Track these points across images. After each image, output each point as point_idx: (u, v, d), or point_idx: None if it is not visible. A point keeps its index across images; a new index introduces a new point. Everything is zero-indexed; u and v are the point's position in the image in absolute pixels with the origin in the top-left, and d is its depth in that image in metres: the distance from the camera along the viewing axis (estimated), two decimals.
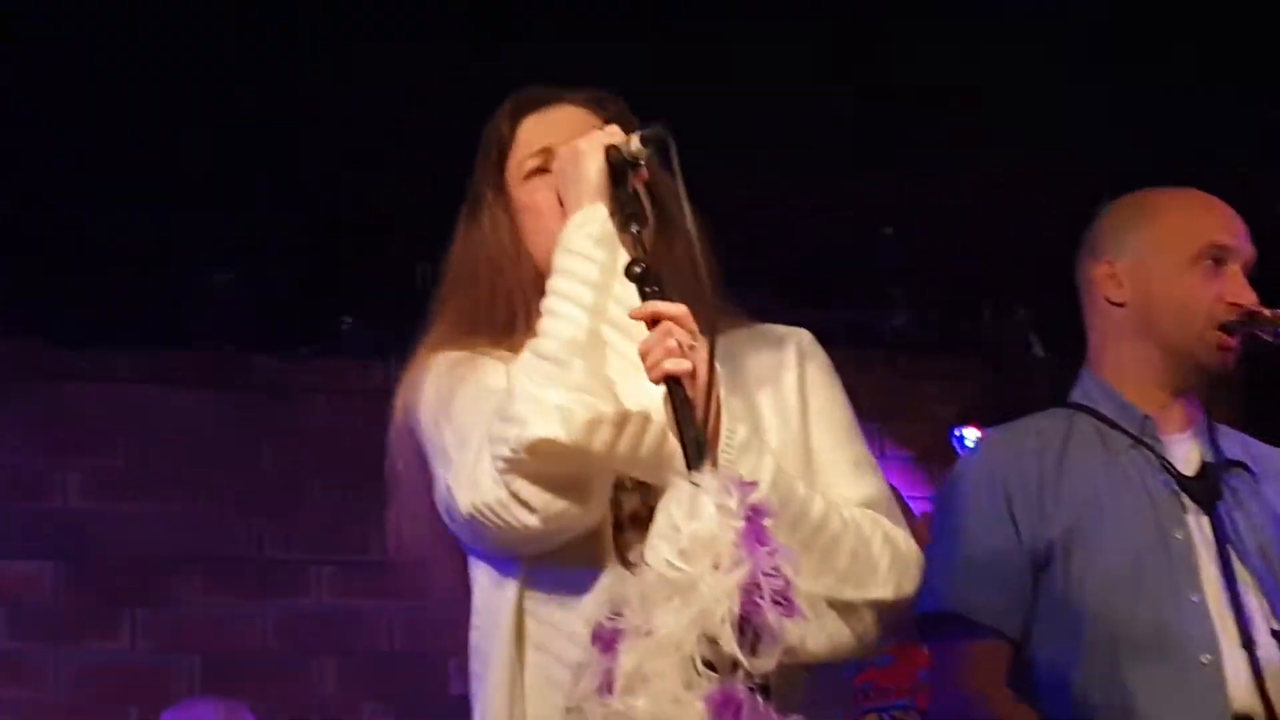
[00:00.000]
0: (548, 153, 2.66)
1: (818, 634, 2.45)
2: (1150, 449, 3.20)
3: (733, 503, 2.21)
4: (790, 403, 2.68)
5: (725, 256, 2.59)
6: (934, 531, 3.31)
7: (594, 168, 2.52)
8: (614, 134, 2.56)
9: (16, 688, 5.94)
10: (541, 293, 2.55)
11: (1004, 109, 4.98)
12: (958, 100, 4.94)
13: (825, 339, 2.78)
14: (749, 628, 2.17)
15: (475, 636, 2.62)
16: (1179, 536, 3.12)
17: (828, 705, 2.51)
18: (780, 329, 2.78)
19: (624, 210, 2.51)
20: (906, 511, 2.79)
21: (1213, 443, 3.22)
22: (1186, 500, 3.15)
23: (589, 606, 2.31)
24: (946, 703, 3.27)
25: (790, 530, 2.40)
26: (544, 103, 2.75)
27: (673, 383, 2.34)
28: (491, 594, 2.58)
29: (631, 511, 2.51)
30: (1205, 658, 3.03)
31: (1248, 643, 3.02)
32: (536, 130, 2.72)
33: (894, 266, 6.08)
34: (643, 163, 2.54)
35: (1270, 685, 3.01)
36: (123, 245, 5.57)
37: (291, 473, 6.29)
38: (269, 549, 6.25)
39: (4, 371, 6.08)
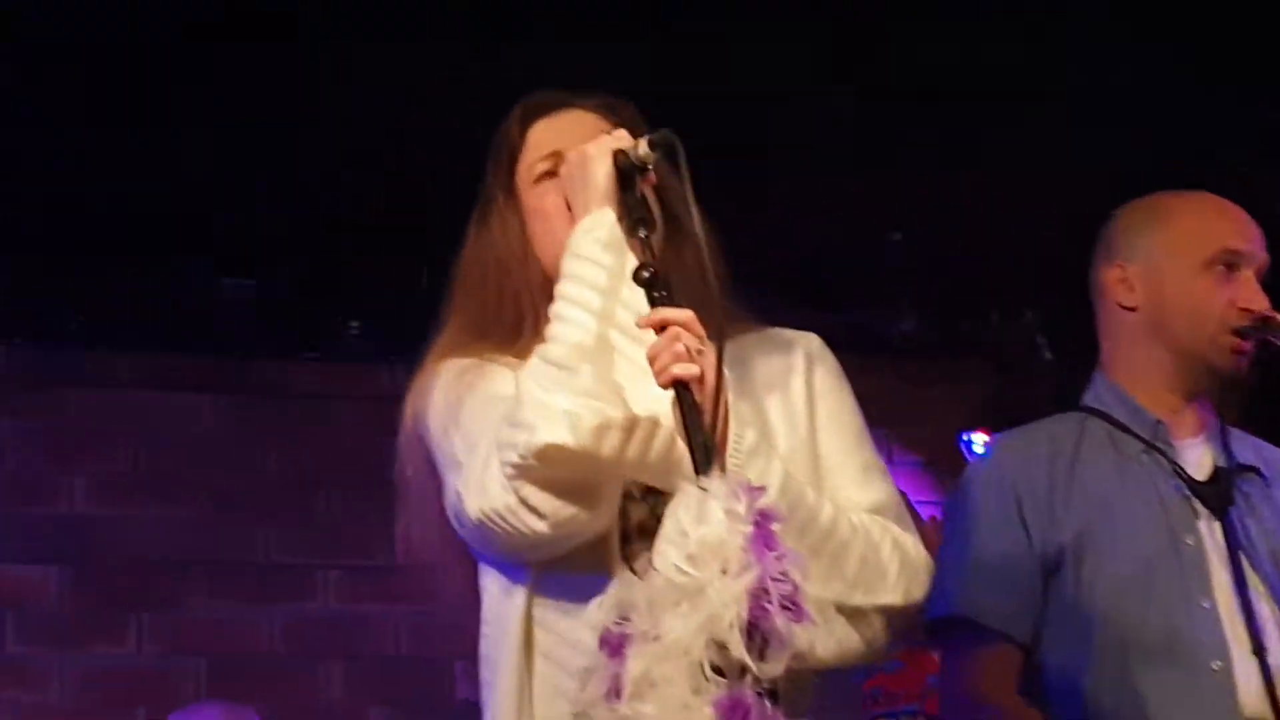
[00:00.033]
0: (557, 156, 2.66)
1: (826, 640, 2.44)
2: (1162, 454, 3.19)
3: (741, 508, 2.21)
4: (798, 407, 2.68)
5: (731, 260, 2.59)
6: (944, 536, 3.30)
7: (602, 172, 2.52)
8: (622, 138, 2.55)
9: (22, 692, 5.94)
10: (549, 297, 2.55)
11: (1006, 110, 4.98)
12: (960, 101, 4.93)
13: (833, 344, 2.78)
14: (757, 633, 2.16)
15: (485, 645, 2.62)
16: (1190, 542, 3.11)
17: (836, 710, 2.52)
18: (789, 333, 2.78)
19: (632, 215, 2.51)
20: (915, 517, 2.78)
21: (1225, 447, 3.21)
22: (1198, 505, 3.14)
23: (594, 614, 2.29)
24: (956, 708, 3.27)
25: (799, 535, 2.39)
26: (555, 107, 2.74)
27: (681, 387, 2.33)
28: (500, 602, 2.58)
29: (639, 522, 2.50)
30: (1216, 664, 3.02)
31: (1259, 649, 3.01)
32: (547, 134, 2.71)
33: (901, 271, 6.07)
34: (651, 167, 2.53)
35: None
36: (127, 249, 5.57)
37: (297, 477, 6.28)
38: (275, 553, 6.25)
39: (8, 376, 6.08)
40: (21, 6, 4.36)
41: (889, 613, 2.54)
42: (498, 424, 2.44)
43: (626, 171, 2.52)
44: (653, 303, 2.42)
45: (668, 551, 2.22)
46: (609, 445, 2.37)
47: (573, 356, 2.42)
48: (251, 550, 6.23)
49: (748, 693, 2.17)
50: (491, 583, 2.61)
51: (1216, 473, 3.18)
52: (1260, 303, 3.18)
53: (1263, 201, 3.35)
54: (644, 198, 2.55)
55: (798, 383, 2.69)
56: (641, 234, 2.49)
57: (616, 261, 2.47)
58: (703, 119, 2.71)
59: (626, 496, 2.50)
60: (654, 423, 2.38)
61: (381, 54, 4.62)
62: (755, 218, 2.67)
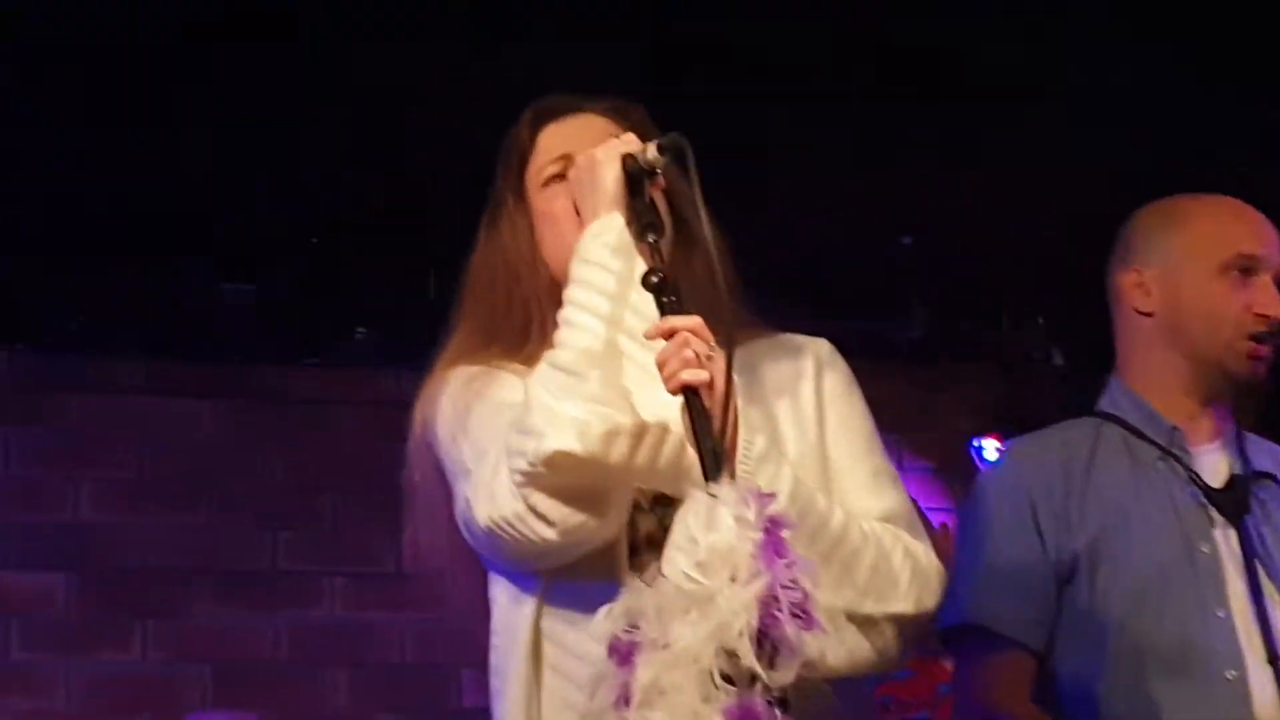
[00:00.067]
0: (567, 159, 2.65)
1: (837, 648, 2.43)
2: (1178, 460, 3.17)
3: (751, 514, 2.19)
4: (808, 413, 2.67)
5: (739, 264, 2.58)
6: (958, 542, 3.29)
7: (611, 176, 2.51)
8: (631, 142, 2.54)
9: (28, 699, 5.93)
10: (557, 301, 2.54)
11: (1006, 110, 4.97)
12: (960, 101, 4.93)
13: (842, 349, 2.77)
14: (767, 641, 2.15)
15: (495, 656, 2.61)
16: (1205, 550, 3.09)
17: (847, 718, 2.51)
18: (799, 339, 2.77)
19: (641, 219, 2.50)
20: (926, 523, 2.77)
21: (1241, 453, 3.18)
22: (1214, 513, 3.12)
23: (599, 625, 2.28)
24: (969, 716, 3.25)
25: (809, 542, 2.38)
26: (565, 111, 2.74)
27: (690, 393, 2.32)
28: (510, 612, 2.57)
29: (647, 533, 2.49)
30: (1230, 673, 3.01)
31: (1273, 658, 2.99)
32: (557, 137, 2.70)
33: (912, 275, 6.06)
34: (660, 171, 2.52)
35: None
36: (131, 254, 5.56)
37: (303, 483, 6.27)
38: (281, 560, 6.23)
39: (11, 382, 6.07)
40: (21, 6, 4.35)
41: (900, 621, 2.53)
42: (506, 431, 2.43)
43: (635, 176, 2.51)
44: (661, 308, 2.41)
45: (677, 559, 2.20)
46: (618, 452, 2.36)
47: (581, 362, 2.41)
48: (257, 557, 6.22)
49: (758, 701, 2.15)
50: (501, 592, 2.60)
51: (1232, 480, 3.16)
52: (1277, 308, 3.16)
53: (1263, 202, 3.34)
54: (653, 202, 2.53)
55: (807, 388, 2.68)
56: (650, 239, 2.48)
57: (625, 266, 2.47)
58: (705, 120, 2.69)
59: (635, 508, 2.49)
60: (663, 429, 2.38)
61: (381, 54, 4.61)
62: (755, 218, 2.66)
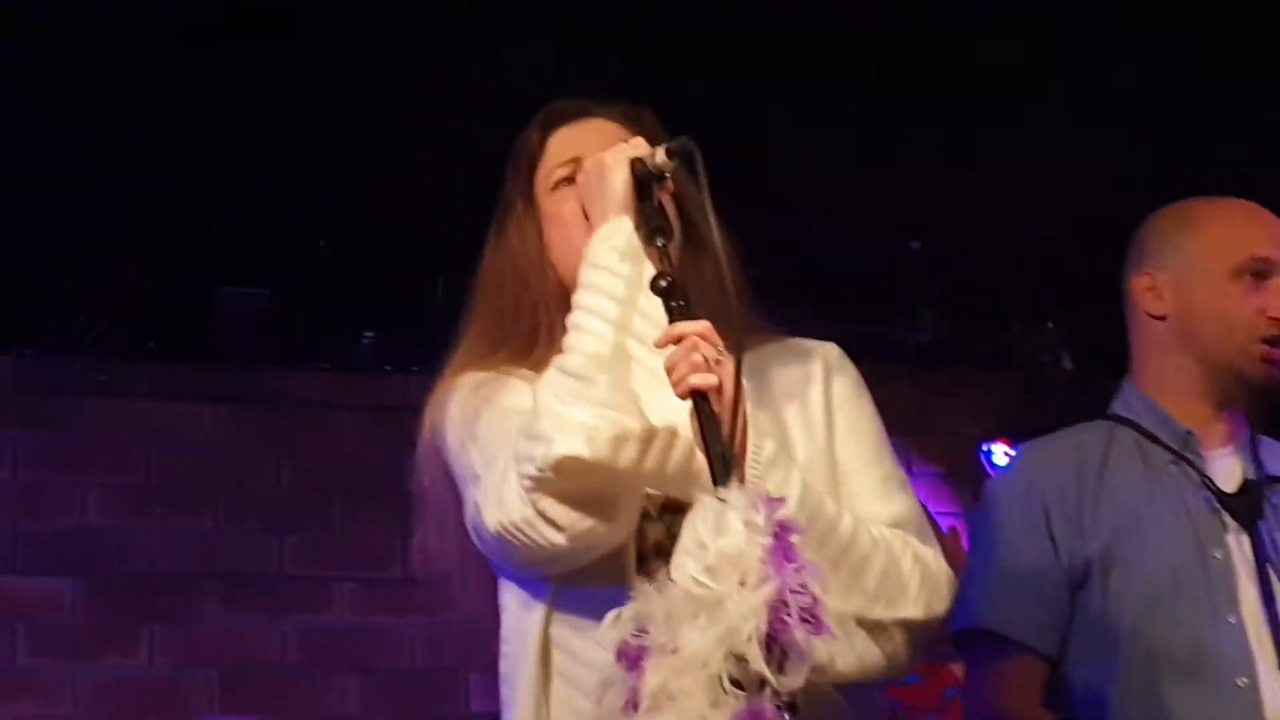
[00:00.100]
0: (576, 163, 2.64)
1: (847, 654, 2.43)
2: (1191, 464, 3.15)
3: (760, 519, 2.19)
4: (816, 417, 2.67)
5: (747, 268, 2.58)
6: (969, 546, 3.28)
7: (619, 180, 2.50)
8: (639, 146, 2.54)
9: (35, 704, 5.91)
10: (565, 305, 2.54)
11: (1006, 110, 4.97)
12: (960, 101, 4.93)
13: (851, 353, 2.76)
14: (776, 645, 2.14)
15: (504, 664, 2.61)
16: (1218, 556, 3.08)
17: None
18: (808, 343, 2.76)
19: (649, 223, 2.49)
20: (935, 528, 2.76)
21: (1255, 458, 3.17)
22: (1227, 518, 3.10)
23: (606, 633, 2.27)
24: None
25: (818, 547, 2.38)
26: (575, 115, 2.73)
27: (699, 398, 2.31)
28: (519, 619, 2.57)
29: (655, 541, 2.49)
30: (1241, 680, 3.00)
31: None
32: (567, 141, 2.70)
33: (920, 279, 6.05)
34: (668, 175, 2.52)
35: None
36: (138, 258, 5.55)
37: (311, 488, 6.25)
38: (288, 565, 6.22)
39: (18, 386, 6.05)
40: (21, 6, 4.34)
41: (910, 627, 2.53)
42: (515, 437, 2.43)
43: (644, 180, 2.51)
44: (670, 312, 2.41)
45: (686, 563, 2.20)
46: (626, 456, 2.36)
47: (590, 367, 2.41)
48: (265, 562, 6.20)
49: (767, 706, 2.15)
50: (511, 599, 2.60)
51: (1246, 484, 3.14)
52: None
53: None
54: (661, 206, 2.53)
55: (816, 392, 2.68)
56: (659, 242, 2.48)
57: (634, 270, 2.46)
58: (709, 121, 2.69)
59: (643, 516, 2.48)
60: (672, 433, 2.37)
61: (382, 54, 4.60)
62: (755, 218, 2.65)
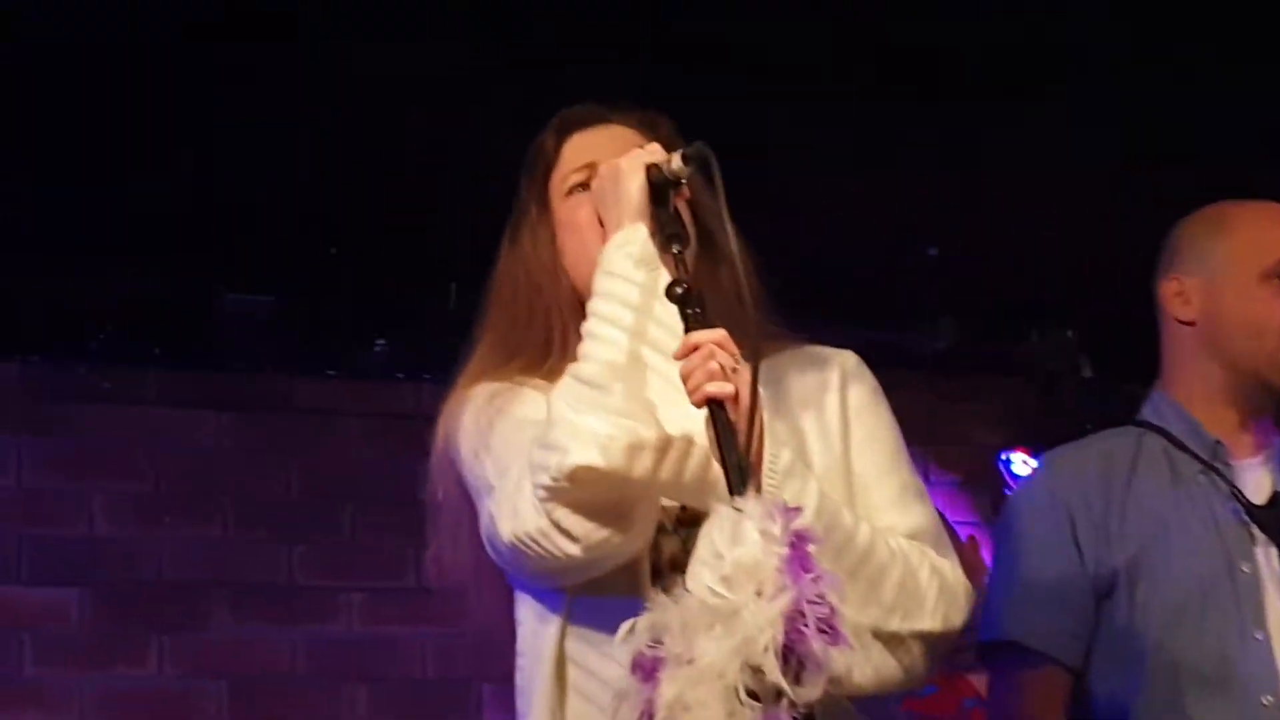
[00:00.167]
0: (591, 169, 2.63)
1: (863, 666, 2.42)
2: (1220, 475, 3.12)
3: (776, 528, 2.17)
4: (833, 426, 2.65)
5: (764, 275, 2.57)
6: (994, 554, 3.25)
7: (635, 186, 2.49)
8: (655, 152, 2.52)
9: (42, 715, 5.89)
10: (578, 313, 2.53)
11: (1006, 110, 4.96)
12: (960, 101, 4.92)
13: (868, 361, 2.75)
14: (793, 656, 2.12)
15: (520, 677, 2.60)
16: (1246, 569, 3.05)
17: None
18: (825, 350, 2.74)
19: (665, 230, 2.48)
20: (953, 537, 2.75)
21: None
22: (1255, 531, 3.07)
23: (619, 649, 2.25)
24: None
25: (835, 558, 2.36)
26: (591, 121, 2.72)
27: (715, 406, 2.29)
28: (535, 633, 2.56)
29: (671, 555, 2.48)
30: (1267, 699, 2.97)
31: None
32: (582, 147, 2.69)
33: (937, 285, 6.04)
34: (684, 181, 2.50)
35: None
36: (146, 264, 5.54)
37: (321, 497, 6.24)
38: (298, 574, 6.20)
39: (26, 394, 6.03)
40: (21, 6, 4.32)
41: (927, 639, 2.51)
42: (529, 447, 2.41)
43: (659, 186, 2.49)
44: (686, 319, 2.39)
45: (702, 573, 2.18)
46: (641, 466, 2.33)
47: (605, 375, 2.39)
48: (274, 571, 6.18)
49: (783, 717, 2.13)
50: (526, 613, 2.59)
51: (1275, 496, 3.11)
52: None
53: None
54: (677, 212, 2.52)
55: (832, 401, 2.67)
56: (674, 249, 2.46)
57: (649, 277, 2.45)
58: (711, 123, 2.68)
59: (658, 529, 2.47)
60: (688, 442, 2.35)
61: (382, 54, 4.59)
62: (755, 219, 2.63)
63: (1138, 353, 3.34)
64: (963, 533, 5.77)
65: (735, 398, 2.31)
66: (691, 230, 2.55)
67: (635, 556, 2.46)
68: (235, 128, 4.84)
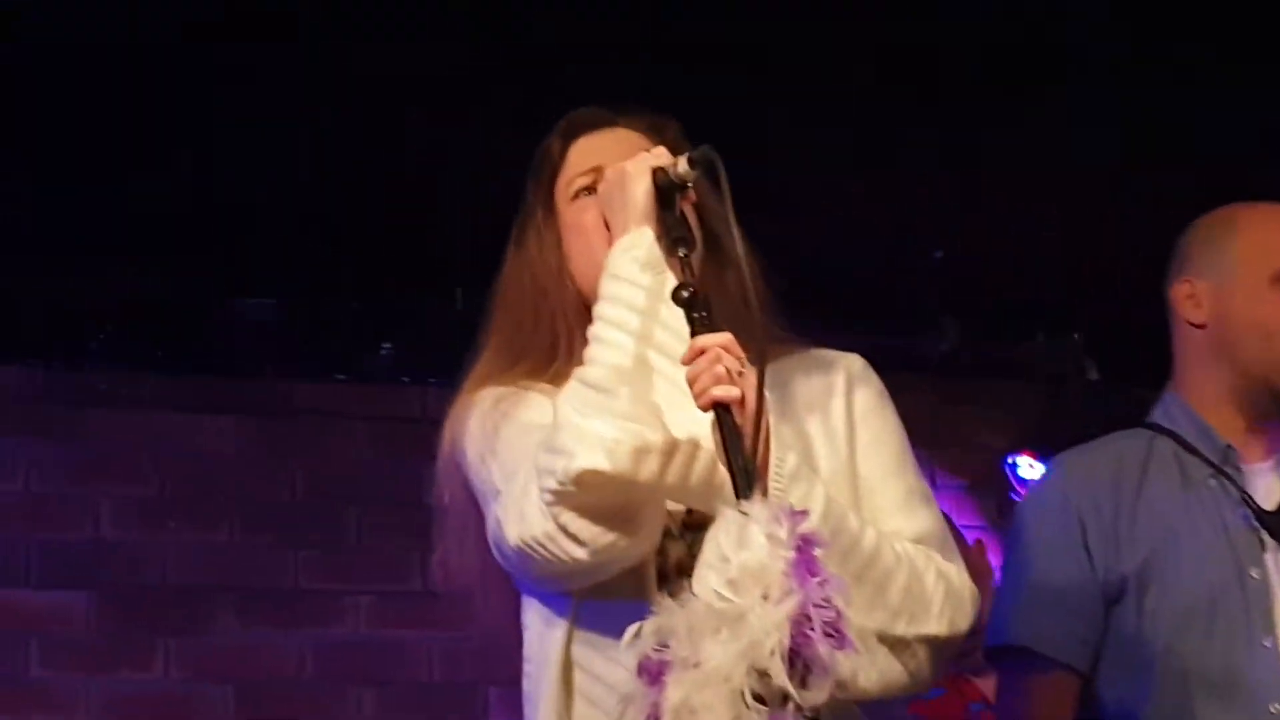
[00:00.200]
0: (597, 172, 2.63)
1: (869, 670, 2.41)
2: (1230, 480, 3.10)
3: (783, 532, 2.17)
4: (838, 429, 2.65)
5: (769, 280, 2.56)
6: (1004, 557, 3.24)
7: (641, 190, 2.49)
8: (661, 156, 2.52)
9: (48, 717, 5.89)
10: (584, 317, 2.53)
11: (1006, 110, 4.96)
12: (960, 101, 4.92)
13: (874, 365, 2.74)
14: (799, 660, 2.13)
15: (527, 683, 2.60)
16: (1255, 576, 3.03)
17: None
18: (831, 354, 2.74)
19: (671, 234, 2.48)
20: (960, 541, 2.75)
21: None
22: (1265, 537, 3.05)
23: (625, 652, 2.25)
24: None
25: (841, 562, 2.35)
26: (598, 124, 2.72)
27: (721, 410, 2.30)
28: (541, 638, 2.56)
29: (677, 560, 2.47)
30: (1275, 707, 2.96)
31: None
32: (589, 150, 2.69)
33: (942, 289, 6.04)
34: (690, 185, 2.51)
35: None
36: (153, 268, 5.53)
37: (327, 500, 6.23)
38: (303, 578, 6.19)
39: (35, 398, 6.03)
40: (21, 6, 4.32)
41: (933, 643, 2.51)
42: (535, 451, 2.41)
43: (666, 189, 2.50)
44: (692, 323, 2.39)
45: (708, 577, 2.18)
46: (647, 469, 2.33)
47: (611, 379, 2.39)
48: (280, 575, 6.17)
49: None
50: (533, 618, 2.59)
51: None
52: None
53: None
54: (683, 216, 2.52)
55: (838, 404, 2.66)
56: (681, 253, 2.46)
57: (655, 281, 2.45)
58: (714, 124, 2.68)
59: (664, 534, 2.46)
60: (694, 446, 2.35)
61: (382, 54, 4.59)
62: (755, 219, 2.63)
63: (1143, 355, 3.32)
64: (969, 536, 5.74)
65: (741, 401, 2.31)
66: (698, 234, 2.55)
67: (641, 560, 2.46)
68: (235, 128, 4.84)
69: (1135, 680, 3.04)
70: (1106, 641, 3.08)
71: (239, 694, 6.06)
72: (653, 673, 2.21)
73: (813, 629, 2.14)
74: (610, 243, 2.52)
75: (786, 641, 2.13)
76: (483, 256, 2.77)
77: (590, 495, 2.34)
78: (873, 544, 2.49)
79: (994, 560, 4.90)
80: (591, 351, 2.45)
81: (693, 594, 2.20)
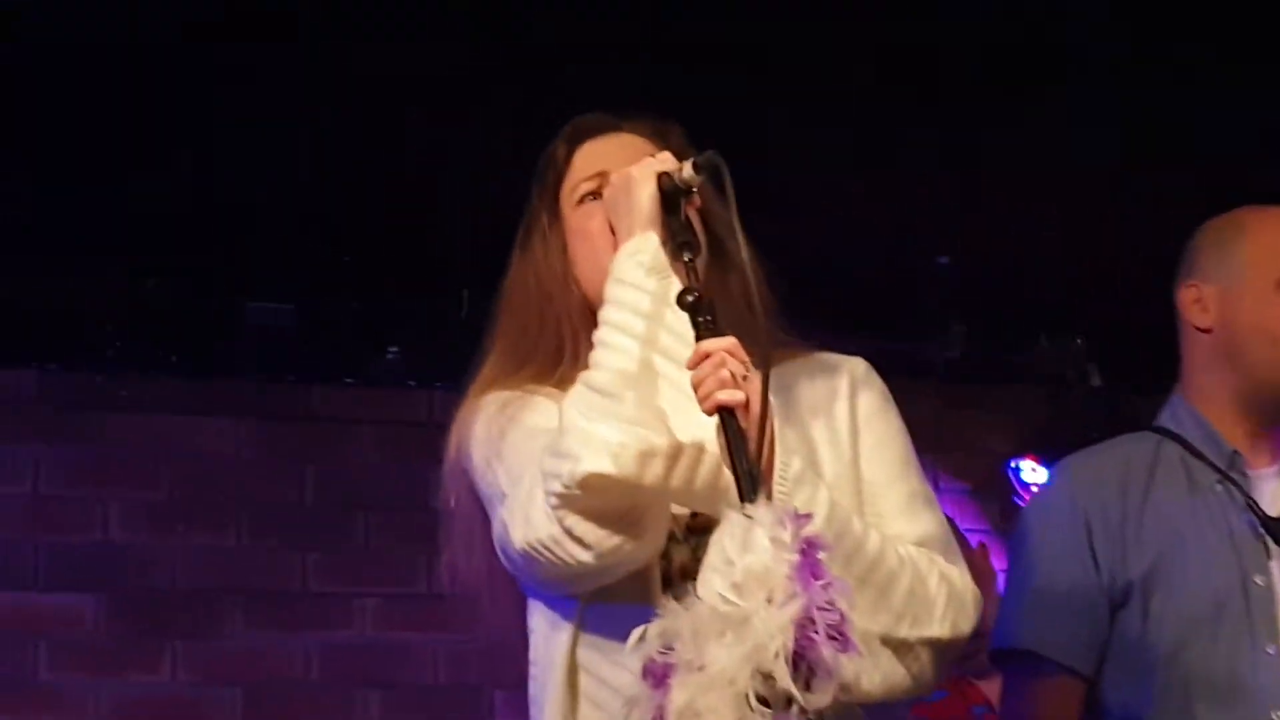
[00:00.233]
0: (602, 177, 2.64)
1: (872, 673, 2.42)
2: (1237, 485, 3.09)
3: (787, 536, 2.17)
4: (842, 433, 2.65)
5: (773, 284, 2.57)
6: (1009, 561, 3.24)
7: (646, 195, 2.49)
8: (666, 160, 2.53)
9: (57, 719, 5.91)
10: (589, 321, 2.54)
11: (1006, 110, 4.96)
12: (960, 101, 4.92)
13: (878, 369, 2.75)
14: (804, 663, 2.13)
15: (533, 687, 2.61)
16: (1260, 582, 3.03)
17: None
18: (835, 358, 2.75)
19: (676, 238, 2.48)
20: (963, 544, 2.75)
21: None
22: (1270, 543, 3.04)
23: (630, 655, 2.26)
24: None
25: (845, 565, 2.37)
26: (603, 129, 2.73)
27: (726, 414, 2.30)
28: (547, 641, 2.57)
29: (681, 564, 2.48)
30: (1277, 715, 2.95)
31: None
32: (593, 155, 2.69)
33: (947, 294, 6.03)
34: (695, 190, 2.51)
35: None
36: (163, 272, 5.53)
37: (334, 504, 6.25)
38: (312, 581, 6.20)
39: (42, 401, 6.05)
40: (21, 6, 4.32)
41: (936, 646, 2.51)
42: (541, 455, 2.42)
43: (671, 194, 2.50)
44: (697, 327, 2.39)
45: (712, 580, 2.19)
46: (653, 473, 2.34)
47: (616, 383, 2.39)
48: (287, 578, 6.18)
49: None
50: (539, 622, 2.59)
51: None
52: None
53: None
54: (688, 221, 2.52)
55: (841, 408, 2.67)
56: (686, 258, 2.46)
57: (660, 286, 2.45)
58: (715, 125, 2.68)
59: (669, 537, 2.47)
60: (699, 450, 2.36)
61: (382, 54, 4.58)
62: (755, 219, 2.63)
63: (1146, 360, 3.32)
64: (972, 540, 5.75)
65: (746, 405, 2.32)
66: (702, 238, 2.55)
67: (647, 564, 2.46)
68: (235, 128, 4.83)
69: (1139, 685, 3.03)
70: (1111, 646, 3.07)
71: (247, 696, 6.07)
72: (658, 676, 2.21)
73: (817, 632, 2.14)
74: (615, 247, 2.52)
75: (791, 644, 2.13)
76: (485, 258, 2.78)
77: (595, 499, 2.35)
78: (876, 547, 2.49)
79: (997, 563, 4.90)
80: (596, 356, 2.45)
81: (697, 597, 2.20)
